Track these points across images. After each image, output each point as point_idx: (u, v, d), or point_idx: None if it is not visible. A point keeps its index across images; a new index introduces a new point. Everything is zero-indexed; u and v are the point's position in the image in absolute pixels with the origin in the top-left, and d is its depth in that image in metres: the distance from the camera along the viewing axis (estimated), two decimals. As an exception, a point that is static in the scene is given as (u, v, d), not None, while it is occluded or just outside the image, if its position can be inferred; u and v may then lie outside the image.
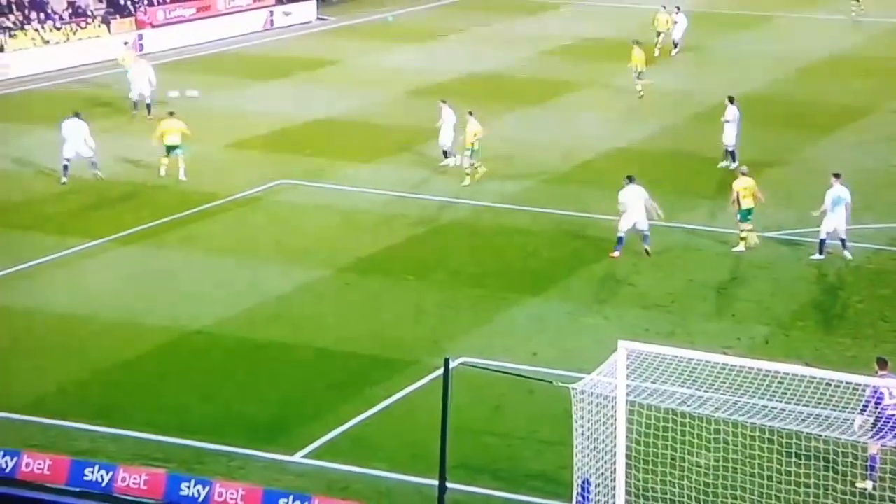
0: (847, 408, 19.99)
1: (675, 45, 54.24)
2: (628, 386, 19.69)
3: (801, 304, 28.98)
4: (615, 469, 19.55)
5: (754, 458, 20.48)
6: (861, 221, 33.16)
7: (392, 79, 50.41)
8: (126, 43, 52.51)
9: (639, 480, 20.16)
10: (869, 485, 20.05)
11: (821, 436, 20.04)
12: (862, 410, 19.86)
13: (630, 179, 31.75)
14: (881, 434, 19.98)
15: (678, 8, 54.82)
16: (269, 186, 36.91)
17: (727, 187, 36.79)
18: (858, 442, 19.98)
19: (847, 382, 19.75)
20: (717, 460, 20.69)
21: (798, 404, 19.95)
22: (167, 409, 23.56)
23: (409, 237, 33.37)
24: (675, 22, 54.04)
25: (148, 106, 44.12)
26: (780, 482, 20.24)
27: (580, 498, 18.93)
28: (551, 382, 21.52)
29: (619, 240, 31.23)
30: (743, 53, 55.04)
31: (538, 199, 36.09)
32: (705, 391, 19.81)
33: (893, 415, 19.86)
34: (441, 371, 19.65)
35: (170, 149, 37.13)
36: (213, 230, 33.82)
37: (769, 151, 40.00)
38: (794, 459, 20.42)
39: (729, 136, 38.05)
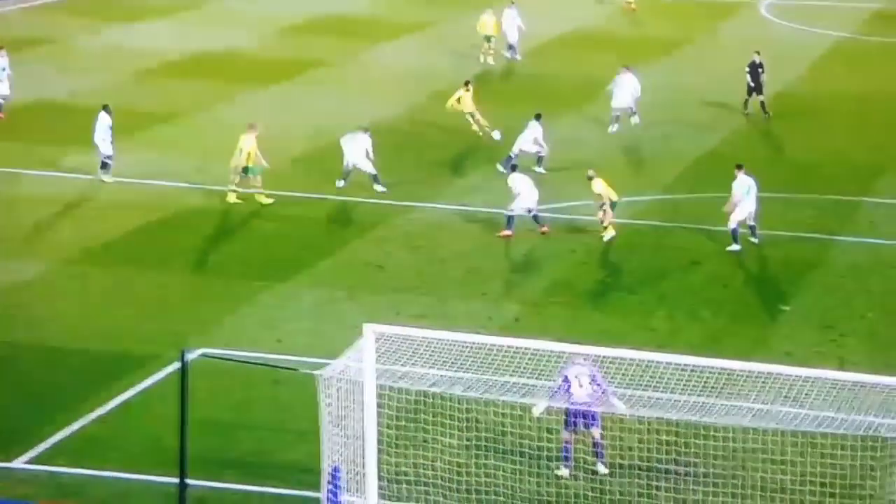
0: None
1: (513, 48, 50.01)
2: (377, 370, 19.99)
3: (552, 280, 29.97)
4: (365, 455, 19.86)
5: (506, 436, 21.12)
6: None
7: (116, 59, 49.40)
8: None
9: (390, 465, 20.54)
10: (565, 472, 20.87)
11: (570, 408, 20.82)
12: (551, 397, 20.71)
13: (513, 168, 33.13)
14: (571, 424, 20.87)
15: (512, 1, 50.72)
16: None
17: (476, 166, 37.73)
18: (614, 413, 20.84)
19: (596, 355, 20.60)
20: (469, 440, 21.25)
21: (549, 380, 20.68)
22: None
23: (142, 226, 32.92)
24: (515, 19, 49.70)
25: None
26: (532, 458, 20.96)
27: (330, 486, 19.17)
28: (296, 370, 21.67)
29: (510, 220, 32.18)
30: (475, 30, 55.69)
31: (283, 182, 36.11)
32: (456, 371, 20.31)
33: (583, 402, 20.73)
34: (179, 364, 19.55)
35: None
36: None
37: (511, 128, 41.01)
38: (545, 434, 21.15)
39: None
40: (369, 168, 35.56)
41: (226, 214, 33.99)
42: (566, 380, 20.73)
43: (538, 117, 36.97)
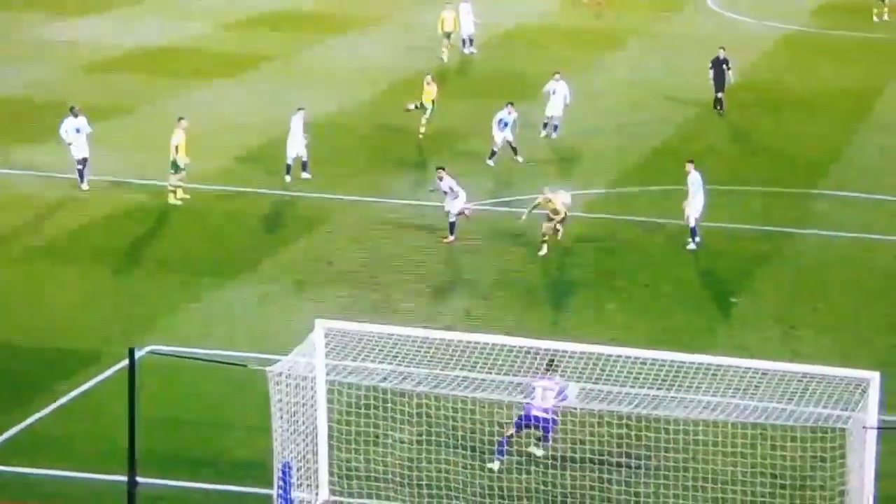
0: (548, 374, 20.95)
1: (470, 42, 50.25)
2: (328, 365, 20.08)
3: (501, 274, 30.08)
4: (317, 450, 19.91)
5: (457, 430, 21.20)
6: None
7: (60, 53, 49.04)
8: None
9: (342, 460, 20.59)
10: (496, 465, 20.98)
11: (523, 403, 20.95)
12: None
13: (443, 169, 31.97)
14: (521, 426, 20.99)
15: None
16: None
17: (425, 161, 37.74)
18: (563, 407, 20.99)
19: (547, 350, 20.71)
20: (420, 434, 21.32)
21: (499, 373, 20.78)
22: None
23: (88, 222, 32.76)
24: (469, 13, 49.96)
25: None
26: (483, 452, 21.06)
27: (281, 482, 19.20)
28: (246, 366, 21.67)
29: (452, 226, 31.44)
30: (428, 23, 55.49)
31: (231, 178, 36.07)
32: (407, 366, 20.38)
33: (538, 416, 20.88)
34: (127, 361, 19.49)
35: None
36: None
37: (468, 122, 41.10)
38: (496, 429, 21.26)
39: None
40: (304, 154, 35.61)
41: (172, 210, 33.86)
42: (532, 389, 20.83)
43: (509, 104, 37.16)
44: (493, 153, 37.17)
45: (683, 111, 43.67)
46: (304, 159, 35.80)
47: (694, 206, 31.36)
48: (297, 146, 35.70)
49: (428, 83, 39.74)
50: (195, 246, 31.58)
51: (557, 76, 40.19)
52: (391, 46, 52.05)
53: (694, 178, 31.53)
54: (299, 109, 36.22)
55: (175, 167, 33.97)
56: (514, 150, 37.25)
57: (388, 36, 53.85)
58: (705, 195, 31.74)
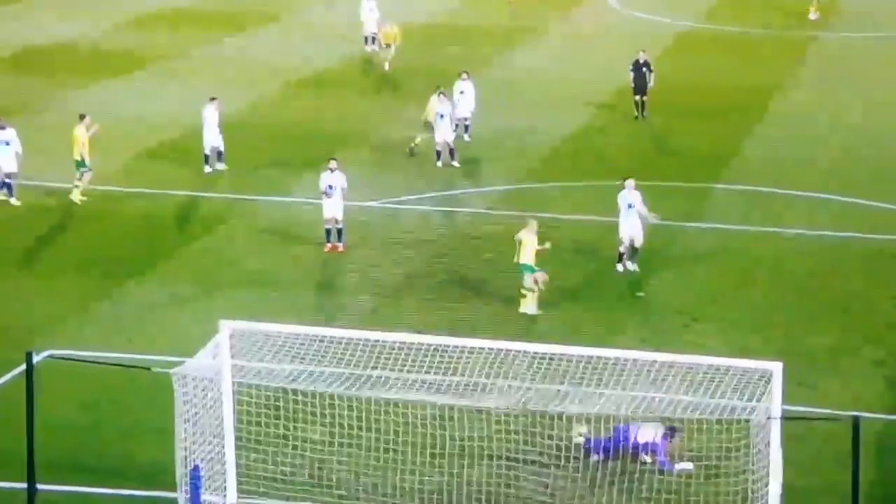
0: (457, 372, 20.90)
1: (372, 40, 49.53)
2: (235, 367, 19.84)
3: (408, 271, 29.99)
4: (224, 453, 19.67)
5: (370, 430, 21.04)
6: (458, 187, 34.71)
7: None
8: None
9: (250, 461, 20.35)
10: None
11: (436, 403, 20.85)
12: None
13: (334, 159, 31.27)
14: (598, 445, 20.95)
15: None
16: None
17: (326, 159, 37.48)
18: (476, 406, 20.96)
19: (455, 346, 20.63)
20: (331, 434, 21.14)
21: (409, 372, 20.67)
22: None
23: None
24: (374, 11, 49.99)
25: None
26: (396, 451, 20.95)
27: (189, 486, 18.93)
28: (149, 369, 21.33)
29: (328, 232, 30.70)
30: (330, 21, 55.60)
31: (129, 179, 35.59)
32: (316, 366, 20.21)
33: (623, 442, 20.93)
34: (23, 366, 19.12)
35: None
36: None
37: (376, 120, 41.02)
38: (411, 427, 21.13)
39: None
40: (220, 144, 35.58)
41: (72, 211, 33.30)
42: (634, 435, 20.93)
43: (439, 92, 36.80)
44: (438, 154, 36.73)
45: (584, 108, 43.90)
46: (220, 150, 35.68)
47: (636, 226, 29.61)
48: (212, 137, 35.33)
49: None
50: (96, 247, 31.07)
51: (465, 76, 39.43)
52: (292, 43, 51.79)
53: (636, 197, 29.77)
54: (212, 100, 35.92)
55: (78, 166, 33.42)
56: (451, 152, 36.41)
57: (288, 33, 53.57)
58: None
